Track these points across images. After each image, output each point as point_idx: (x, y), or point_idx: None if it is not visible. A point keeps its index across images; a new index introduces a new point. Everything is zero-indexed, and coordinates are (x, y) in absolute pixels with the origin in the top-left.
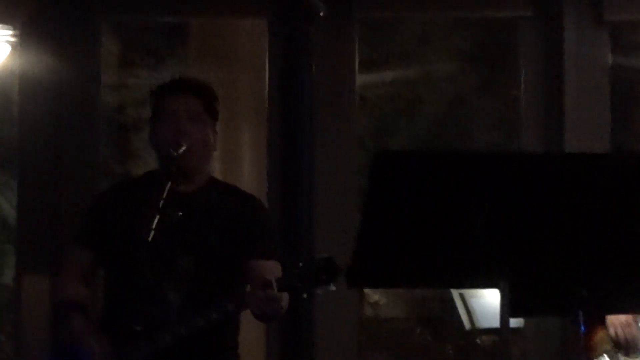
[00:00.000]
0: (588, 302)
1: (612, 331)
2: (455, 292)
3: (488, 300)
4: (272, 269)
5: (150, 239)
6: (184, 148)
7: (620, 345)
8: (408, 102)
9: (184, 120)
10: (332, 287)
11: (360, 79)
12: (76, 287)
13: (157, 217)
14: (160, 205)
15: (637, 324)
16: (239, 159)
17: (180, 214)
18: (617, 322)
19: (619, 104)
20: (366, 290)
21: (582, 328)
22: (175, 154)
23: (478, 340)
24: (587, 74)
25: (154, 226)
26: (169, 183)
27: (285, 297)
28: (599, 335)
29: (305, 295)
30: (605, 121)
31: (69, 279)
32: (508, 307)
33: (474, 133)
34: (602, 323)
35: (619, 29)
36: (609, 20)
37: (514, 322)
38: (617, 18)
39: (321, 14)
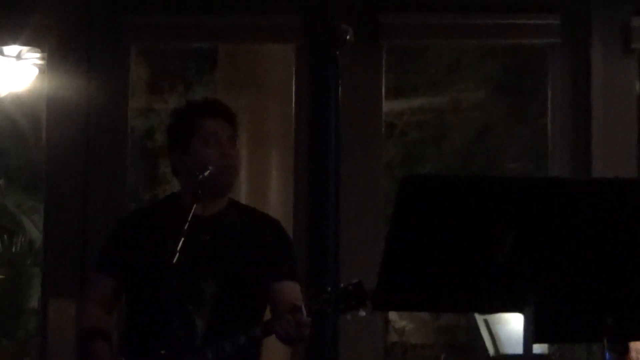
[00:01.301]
0: (613, 329)
1: (633, 356)
2: (479, 318)
3: (513, 327)
4: (294, 290)
5: (175, 261)
6: (209, 171)
7: None
8: (437, 130)
9: (226, 142)
10: (362, 313)
11: (389, 106)
12: (97, 314)
13: (182, 239)
14: (186, 228)
15: None
16: (266, 184)
17: (208, 237)
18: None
19: None
20: (392, 317)
21: (607, 356)
22: (201, 176)
23: None
24: (615, 102)
25: (179, 248)
26: (194, 205)
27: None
28: None
29: (336, 320)
30: (633, 149)
31: (90, 306)
32: (532, 333)
33: (503, 161)
34: (626, 353)
35: None
36: (636, 48)
37: (538, 349)
38: None
39: (348, 38)
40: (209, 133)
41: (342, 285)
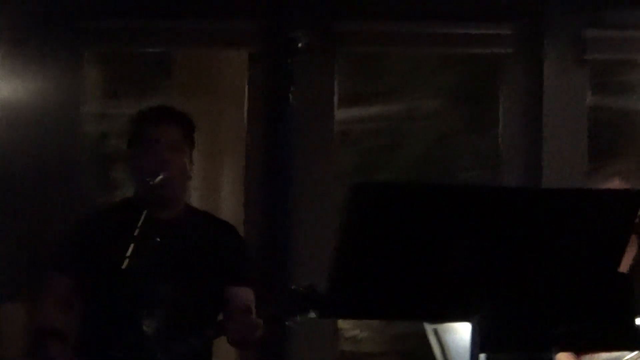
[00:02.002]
0: (562, 339)
1: None
2: (428, 328)
3: (462, 337)
4: (247, 295)
5: (124, 266)
6: (161, 177)
7: None
8: (392, 138)
9: (164, 149)
10: (312, 315)
11: (345, 113)
12: (54, 314)
13: (132, 245)
14: (136, 234)
15: None
16: (219, 189)
17: (159, 239)
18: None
19: (597, 143)
20: (345, 325)
21: None
22: (152, 182)
23: None
24: (566, 112)
25: (128, 254)
26: (145, 211)
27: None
28: None
29: (287, 323)
30: (583, 159)
31: (47, 306)
32: (478, 342)
33: (458, 170)
34: None
35: (599, 69)
36: (589, 59)
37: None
38: (598, 57)
39: (300, 45)
40: (149, 140)
41: (293, 288)
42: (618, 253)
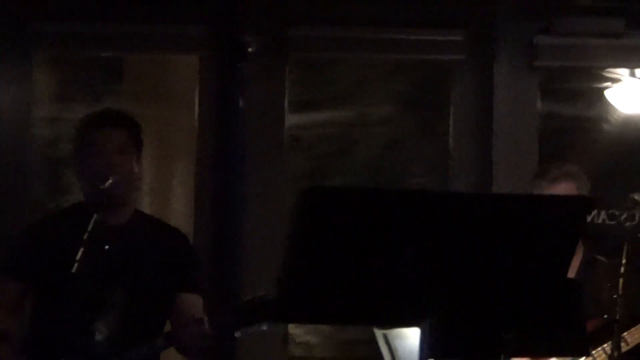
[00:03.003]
0: (510, 345)
1: None
2: (378, 333)
3: (411, 342)
4: (196, 302)
5: (74, 271)
6: (110, 181)
7: None
8: (343, 144)
9: (110, 153)
10: (264, 327)
11: (295, 119)
12: (2, 317)
13: (82, 249)
14: (85, 237)
15: None
16: (169, 194)
17: (107, 247)
18: None
19: (548, 149)
20: (296, 331)
21: None
22: (102, 186)
23: None
24: (517, 118)
25: (78, 258)
26: (95, 215)
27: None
28: None
29: (237, 334)
30: (533, 165)
31: None
32: (427, 348)
33: (408, 176)
34: None
35: (550, 75)
36: (540, 65)
37: None
38: (548, 64)
39: (250, 50)
40: (93, 144)
41: (249, 298)
42: (567, 258)
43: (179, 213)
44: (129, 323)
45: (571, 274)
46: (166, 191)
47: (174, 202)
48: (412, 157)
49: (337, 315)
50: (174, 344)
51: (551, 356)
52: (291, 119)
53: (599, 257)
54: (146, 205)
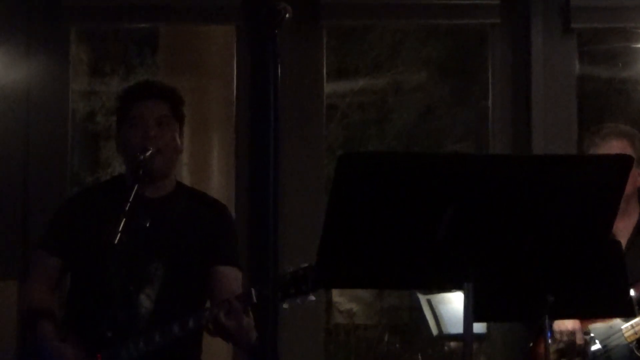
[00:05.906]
0: (554, 307)
1: (557, 337)
2: (422, 298)
3: (455, 307)
4: (234, 276)
5: (116, 241)
6: (150, 152)
7: (564, 353)
8: (379, 112)
9: (151, 124)
10: (312, 297)
11: (331, 87)
12: (43, 293)
13: (124, 220)
14: (127, 208)
15: (581, 332)
16: (208, 165)
17: (148, 224)
18: (563, 329)
19: (586, 112)
20: (338, 299)
21: (549, 333)
22: (142, 157)
23: (446, 347)
24: (555, 82)
25: (120, 229)
26: (136, 186)
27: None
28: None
29: (285, 305)
30: (572, 129)
31: (36, 286)
32: (471, 310)
33: (445, 143)
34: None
35: (586, 37)
36: (576, 27)
37: (478, 328)
38: (584, 26)
39: (287, 16)
40: (133, 116)
41: (292, 269)
42: (608, 218)
43: (219, 184)
44: (171, 296)
45: (625, 236)
46: (205, 163)
47: (213, 174)
48: (447, 123)
49: (379, 279)
50: (216, 317)
51: (596, 317)
52: (326, 88)
53: None
54: (186, 176)
